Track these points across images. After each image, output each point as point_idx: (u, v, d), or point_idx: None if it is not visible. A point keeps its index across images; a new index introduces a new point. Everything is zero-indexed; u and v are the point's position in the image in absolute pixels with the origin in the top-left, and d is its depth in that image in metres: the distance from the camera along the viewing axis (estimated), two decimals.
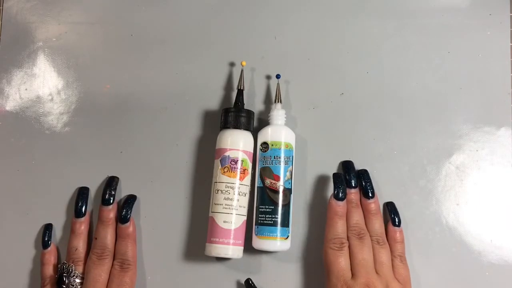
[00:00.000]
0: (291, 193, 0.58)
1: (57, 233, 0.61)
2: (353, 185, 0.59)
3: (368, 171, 0.60)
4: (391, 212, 0.59)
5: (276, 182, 0.57)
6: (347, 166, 0.60)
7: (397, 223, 0.59)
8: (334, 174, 0.59)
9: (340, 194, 0.57)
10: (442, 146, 0.61)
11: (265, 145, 0.58)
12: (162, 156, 0.62)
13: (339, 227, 0.57)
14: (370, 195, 0.59)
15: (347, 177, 0.59)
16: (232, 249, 0.56)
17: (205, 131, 0.62)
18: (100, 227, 0.59)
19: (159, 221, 0.61)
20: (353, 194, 0.59)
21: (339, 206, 0.57)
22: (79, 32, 0.65)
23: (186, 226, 0.61)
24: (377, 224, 0.58)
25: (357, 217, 0.58)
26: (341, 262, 0.55)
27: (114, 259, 0.58)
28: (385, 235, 0.58)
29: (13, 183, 0.62)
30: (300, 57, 0.63)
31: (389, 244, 0.58)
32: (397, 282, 0.55)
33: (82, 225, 0.59)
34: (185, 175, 0.61)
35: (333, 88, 0.62)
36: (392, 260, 0.57)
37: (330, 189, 0.60)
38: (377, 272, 0.55)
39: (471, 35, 0.63)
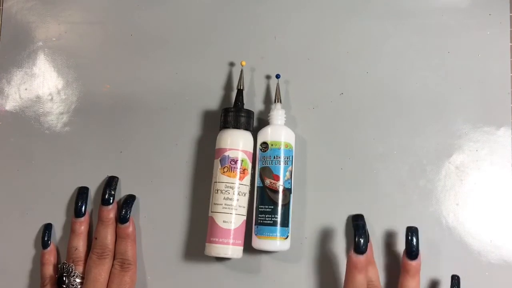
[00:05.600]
0: (290, 193, 0.58)
1: (57, 233, 0.61)
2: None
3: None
4: (454, 285, 0.57)
5: (276, 182, 0.57)
6: (359, 218, 0.58)
7: None
8: (356, 223, 0.56)
9: (361, 246, 0.54)
10: (442, 146, 0.61)
11: (264, 145, 0.58)
12: (162, 156, 0.62)
13: (357, 282, 0.53)
14: (415, 255, 0.55)
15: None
16: (232, 249, 0.56)
17: (205, 131, 0.62)
18: (100, 227, 0.59)
19: (159, 221, 0.61)
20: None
21: (359, 259, 0.53)
22: (79, 32, 0.65)
23: (186, 226, 0.61)
24: (414, 285, 0.55)
25: (371, 273, 0.56)
26: None
27: (114, 259, 0.58)
28: None
29: (13, 183, 0.62)
30: (300, 57, 0.63)
31: None
32: None
33: (82, 225, 0.59)
34: (185, 175, 0.61)
35: (333, 88, 0.62)
36: None
37: (330, 189, 0.60)
38: None
39: (471, 35, 0.63)
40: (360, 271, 0.53)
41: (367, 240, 0.54)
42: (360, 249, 0.53)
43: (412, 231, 0.56)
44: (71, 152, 0.63)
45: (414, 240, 0.55)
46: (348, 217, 0.60)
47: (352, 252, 0.54)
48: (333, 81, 0.62)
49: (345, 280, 0.54)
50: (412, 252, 0.55)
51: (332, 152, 0.61)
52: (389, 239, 0.59)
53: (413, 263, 0.55)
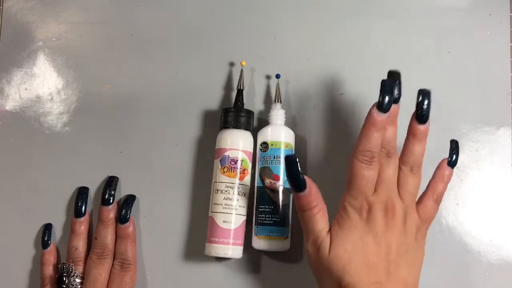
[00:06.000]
0: (290, 193, 0.58)
1: (57, 233, 0.61)
2: (396, 96, 0.52)
3: None
4: (453, 150, 0.54)
5: (276, 182, 0.57)
6: (393, 76, 0.53)
7: (453, 163, 0.53)
8: (384, 79, 0.51)
9: (385, 104, 0.50)
10: (442, 146, 0.61)
11: (264, 145, 0.58)
12: (162, 156, 0.62)
13: (373, 140, 0.50)
14: (424, 119, 0.52)
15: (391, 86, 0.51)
16: (232, 249, 0.56)
17: (205, 131, 0.62)
18: (100, 227, 0.59)
19: (159, 221, 0.61)
20: (393, 107, 0.51)
21: (380, 117, 0.50)
22: (79, 32, 0.65)
23: (186, 226, 0.61)
24: (419, 150, 0.52)
25: (390, 133, 0.52)
26: (367, 176, 0.50)
27: (114, 259, 0.58)
28: (421, 164, 0.53)
29: (13, 183, 0.62)
30: (300, 57, 0.63)
31: (432, 181, 0.53)
32: (417, 215, 0.51)
33: (82, 225, 0.59)
34: (185, 175, 0.61)
35: (333, 88, 0.62)
36: (426, 196, 0.52)
37: (330, 189, 0.60)
38: (400, 197, 0.51)
39: (471, 35, 0.63)
40: (378, 129, 0.50)
41: (392, 99, 0.50)
42: (382, 107, 0.50)
43: (424, 93, 0.52)
44: (71, 152, 0.63)
45: (426, 102, 0.52)
46: None
47: (374, 109, 0.50)
48: (333, 81, 0.62)
49: (360, 135, 0.51)
50: (422, 115, 0.52)
51: (332, 152, 0.61)
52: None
53: (422, 127, 0.52)
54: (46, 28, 0.65)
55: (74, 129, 0.63)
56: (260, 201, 0.58)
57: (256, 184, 0.58)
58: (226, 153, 0.57)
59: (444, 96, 0.62)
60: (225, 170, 0.57)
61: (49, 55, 0.65)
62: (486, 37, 0.63)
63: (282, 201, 0.57)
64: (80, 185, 0.61)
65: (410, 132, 0.53)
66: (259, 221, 0.57)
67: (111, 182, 0.61)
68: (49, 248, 0.60)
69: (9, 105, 0.64)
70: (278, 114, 0.59)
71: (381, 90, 0.50)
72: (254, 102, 0.62)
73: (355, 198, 0.51)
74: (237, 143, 0.58)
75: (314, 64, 0.63)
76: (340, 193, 0.60)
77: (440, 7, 0.63)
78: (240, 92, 0.60)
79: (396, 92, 0.52)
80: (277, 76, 0.60)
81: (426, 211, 0.52)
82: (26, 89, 0.64)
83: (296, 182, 0.50)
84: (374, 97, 0.61)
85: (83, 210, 0.60)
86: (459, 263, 0.59)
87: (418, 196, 0.53)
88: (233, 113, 0.58)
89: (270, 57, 0.63)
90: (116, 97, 0.63)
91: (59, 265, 0.59)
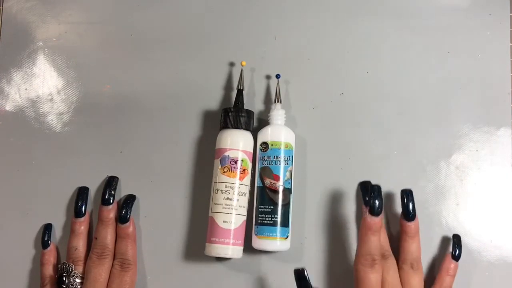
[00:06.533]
0: (290, 193, 0.58)
1: (57, 233, 0.61)
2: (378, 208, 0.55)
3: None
4: (455, 244, 0.58)
5: (276, 182, 0.57)
6: (374, 189, 0.55)
7: (457, 257, 0.57)
8: (372, 186, 0.55)
9: (376, 208, 0.54)
10: (442, 146, 0.61)
11: (264, 145, 0.58)
12: (162, 156, 0.62)
13: (372, 244, 0.54)
14: (412, 216, 0.57)
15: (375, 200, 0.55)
16: (232, 249, 0.56)
17: (205, 131, 0.62)
18: (100, 227, 0.59)
19: (159, 221, 0.61)
20: (379, 220, 0.55)
21: (374, 221, 0.54)
22: (79, 32, 0.65)
23: (186, 226, 0.61)
24: (415, 247, 0.56)
25: (381, 238, 0.56)
26: (372, 279, 0.53)
27: (114, 259, 0.58)
28: (420, 259, 0.56)
29: (13, 183, 0.62)
30: (300, 57, 0.63)
31: (438, 275, 0.57)
32: None
33: (82, 225, 0.59)
34: (185, 175, 0.61)
35: (333, 88, 0.62)
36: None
37: (330, 189, 0.60)
38: None
39: (471, 35, 0.63)
40: (374, 232, 0.54)
41: (381, 202, 0.54)
42: (374, 212, 0.54)
43: (407, 193, 0.57)
44: (71, 152, 0.62)
45: (410, 202, 0.57)
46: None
47: (367, 214, 0.54)
48: (333, 81, 0.62)
49: (359, 241, 0.55)
50: (409, 213, 0.57)
51: (332, 152, 0.61)
52: (391, 240, 0.59)
53: (412, 224, 0.57)
54: (46, 28, 0.65)
55: (74, 129, 0.63)
56: (260, 201, 0.58)
57: (256, 184, 0.58)
58: (226, 153, 0.57)
59: (444, 96, 0.62)
60: (225, 170, 0.57)
61: (49, 55, 0.65)
62: (486, 37, 0.63)
63: (282, 201, 0.57)
64: (80, 185, 0.61)
65: (403, 231, 0.57)
66: (259, 221, 0.57)
67: (111, 182, 0.61)
68: (49, 248, 0.60)
69: (9, 105, 0.64)
70: (278, 114, 0.59)
71: (371, 195, 0.54)
72: (254, 102, 0.62)
73: None
74: (237, 143, 0.58)
75: (314, 64, 0.63)
76: (339, 193, 0.60)
77: (440, 7, 0.63)
78: (240, 92, 0.60)
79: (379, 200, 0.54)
80: (277, 76, 0.60)
81: None
82: (26, 89, 0.64)
83: None
84: (374, 97, 0.62)
85: (83, 210, 0.60)
86: (459, 263, 0.59)
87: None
88: (233, 113, 0.58)
89: (270, 57, 0.63)
90: (116, 97, 0.63)
91: (59, 265, 0.59)
